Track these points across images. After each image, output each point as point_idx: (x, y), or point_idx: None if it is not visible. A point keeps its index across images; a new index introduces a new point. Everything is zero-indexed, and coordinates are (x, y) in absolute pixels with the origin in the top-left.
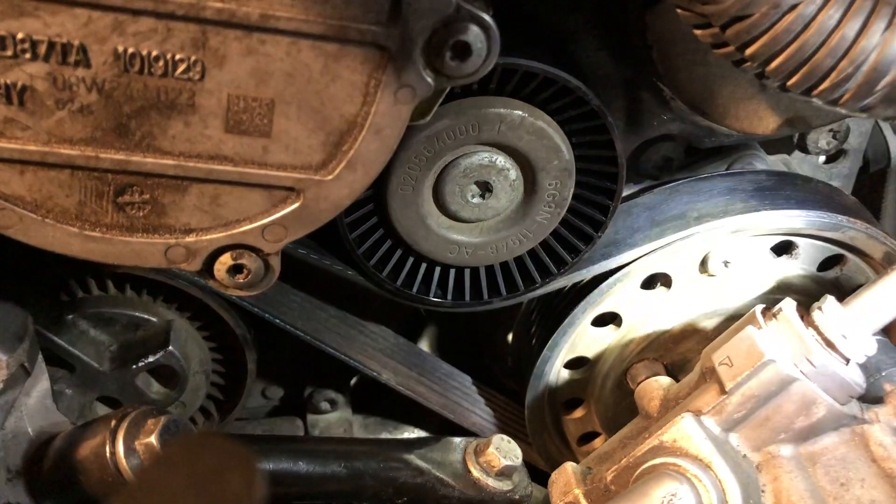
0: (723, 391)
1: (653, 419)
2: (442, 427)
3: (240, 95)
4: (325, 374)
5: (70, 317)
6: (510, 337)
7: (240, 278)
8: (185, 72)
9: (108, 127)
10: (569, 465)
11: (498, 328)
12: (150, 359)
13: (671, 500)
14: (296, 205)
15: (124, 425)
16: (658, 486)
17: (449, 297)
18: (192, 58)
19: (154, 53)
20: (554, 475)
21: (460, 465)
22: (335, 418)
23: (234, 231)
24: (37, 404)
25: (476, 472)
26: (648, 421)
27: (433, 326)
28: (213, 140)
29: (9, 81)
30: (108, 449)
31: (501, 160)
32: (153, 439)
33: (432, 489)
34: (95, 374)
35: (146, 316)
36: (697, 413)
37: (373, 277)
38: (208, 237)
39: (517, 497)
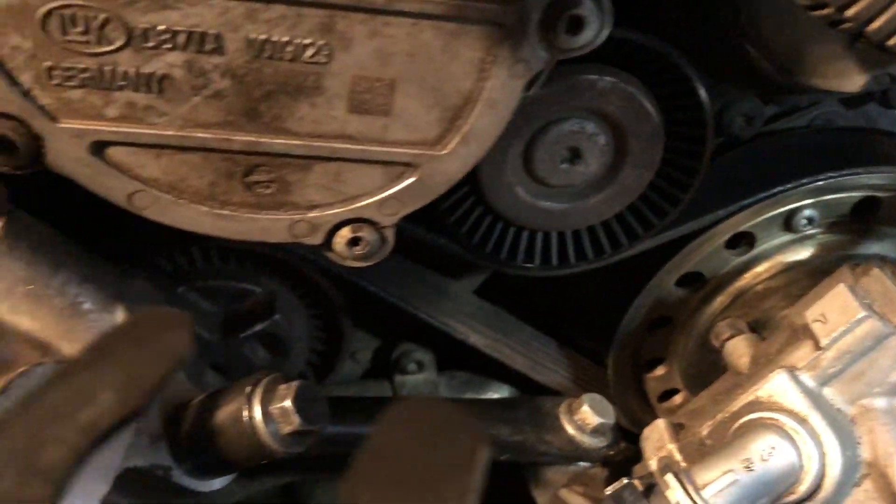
0: (817, 347)
1: (743, 375)
2: (524, 388)
3: (363, 77)
4: (413, 337)
5: (180, 289)
6: (589, 298)
7: (357, 250)
8: (312, 56)
9: (239, 111)
10: (661, 422)
11: (578, 290)
12: (258, 327)
13: (770, 452)
14: (412, 179)
15: (259, 391)
16: (756, 439)
17: (536, 261)
18: (320, 42)
19: (284, 39)
20: (646, 431)
21: (556, 423)
22: (422, 380)
23: (354, 206)
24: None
25: (571, 430)
26: (739, 377)
27: (510, 289)
28: (337, 120)
29: (149, 71)
30: (244, 414)
31: (591, 126)
32: (288, 403)
33: (532, 447)
34: (206, 343)
35: (251, 287)
36: (791, 369)
37: (463, 244)
38: (330, 212)
39: (611, 453)
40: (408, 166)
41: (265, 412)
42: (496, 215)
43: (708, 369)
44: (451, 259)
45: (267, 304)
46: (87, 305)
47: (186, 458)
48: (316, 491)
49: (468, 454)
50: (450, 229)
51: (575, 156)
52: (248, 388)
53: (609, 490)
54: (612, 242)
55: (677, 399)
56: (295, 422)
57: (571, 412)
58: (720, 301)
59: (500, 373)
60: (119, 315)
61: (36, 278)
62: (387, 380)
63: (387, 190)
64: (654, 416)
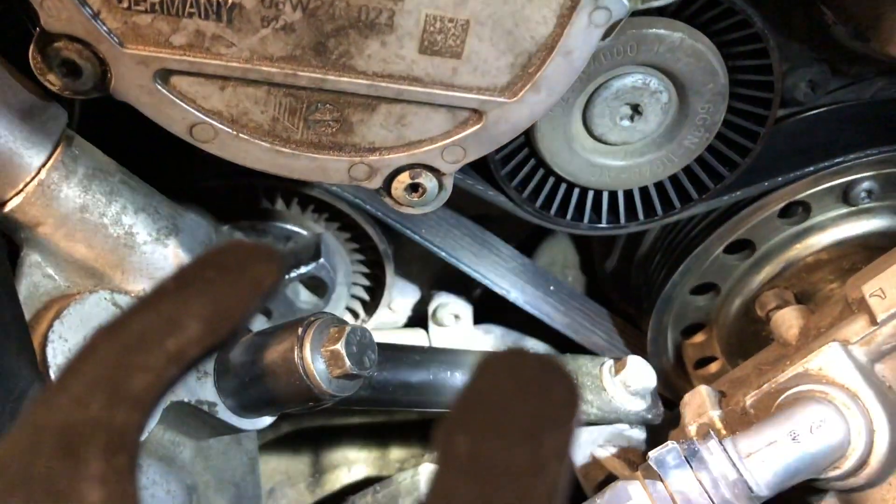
0: (873, 322)
1: (792, 347)
2: (559, 346)
3: (437, 16)
4: (452, 289)
5: (225, 228)
6: (627, 261)
7: (415, 197)
8: None
9: (307, 45)
10: (703, 389)
11: (618, 252)
12: (303, 269)
13: (819, 425)
14: (477, 126)
15: (310, 333)
16: (805, 411)
17: (585, 220)
18: None
19: None
20: (687, 397)
21: (597, 384)
22: (458, 332)
23: (416, 151)
24: None
25: (612, 391)
26: (787, 348)
27: (550, 247)
28: (406, 60)
29: None
30: (296, 354)
31: (655, 82)
32: (340, 347)
33: None
34: None
35: (297, 228)
36: (844, 343)
37: (513, 198)
38: (391, 156)
39: (650, 416)
40: (474, 112)
41: (315, 353)
42: (549, 170)
43: (749, 338)
44: (498, 212)
45: (313, 247)
46: (141, 236)
47: (232, 395)
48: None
49: (566, 406)
50: (501, 181)
51: (635, 112)
52: (300, 329)
53: (653, 453)
54: (665, 204)
55: (713, 367)
56: (345, 365)
57: (613, 374)
58: (768, 270)
59: (536, 330)
60: (172, 248)
61: (91, 206)
62: (423, 330)
63: (451, 136)
64: (688, 382)
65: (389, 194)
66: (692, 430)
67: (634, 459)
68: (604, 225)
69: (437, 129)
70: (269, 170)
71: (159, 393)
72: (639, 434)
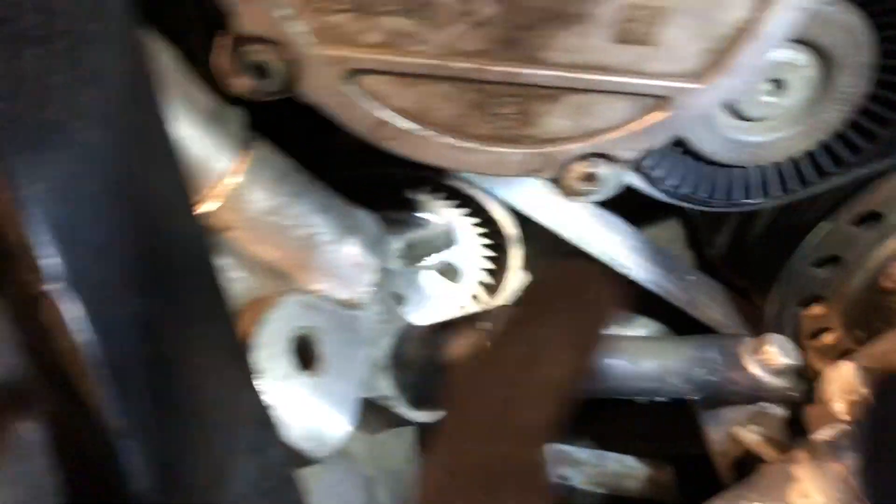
0: None
1: None
2: (675, 323)
3: (634, 4)
4: None
5: None
6: (741, 235)
7: (589, 186)
8: None
9: (500, 39)
10: (848, 365)
11: (731, 227)
12: (438, 256)
13: None
14: (662, 113)
15: (498, 325)
16: None
17: (718, 196)
18: None
19: None
20: (830, 373)
21: (739, 363)
22: None
23: (595, 140)
24: (390, 303)
25: (755, 370)
26: None
27: (652, 223)
28: (598, 50)
29: None
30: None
31: (802, 57)
32: None
33: (722, 386)
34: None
35: (429, 216)
36: None
37: (647, 175)
38: (569, 146)
39: (794, 394)
40: (660, 99)
41: None
42: (685, 147)
43: (872, 311)
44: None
45: (447, 234)
46: (324, 236)
47: (409, 389)
48: None
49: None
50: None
51: (778, 87)
52: (487, 321)
53: (823, 435)
54: (800, 178)
55: (827, 338)
56: None
57: (755, 352)
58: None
59: (651, 308)
60: (352, 246)
61: (279, 209)
62: None
63: (633, 124)
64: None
65: (561, 184)
66: (838, 407)
67: (775, 437)
68: (737, 201)
69: (620, 117)
70: (448, 165)
71: (551, 426)
72: (780, 412)
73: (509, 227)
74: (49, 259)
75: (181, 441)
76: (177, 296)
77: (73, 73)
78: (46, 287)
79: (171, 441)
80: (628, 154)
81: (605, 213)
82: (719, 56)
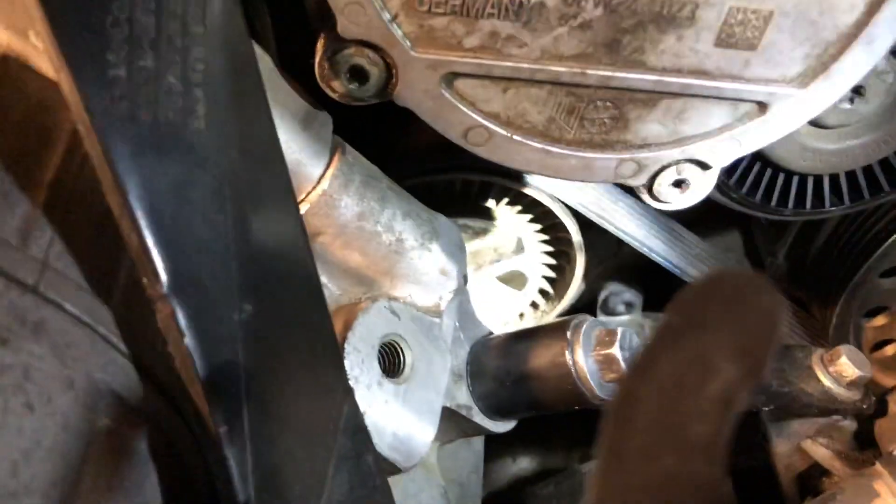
0: None
1: None
2: None
3: (740, 8)
4: (628, 277)
5: None
6: (803, 245)
7: (678, 193)
8: None
9: (601, 42)
10: None
11: (791, 236)
12: (507, 263)
13: None
14: (759, 118)
15: (579, 336)
16: None
17: (790, 205)
18: None
19: None
20: None
21: (810, 374)
22: (628, 320)
23: (688, 146)
24: (465, 311)
25: (826, 382)
26: None
27: (710, 232)
28: (699, 54)
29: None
30: (567, 358)
31: (885, 63)
32: (614, 351)
33: (796, 398)
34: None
35: (495, 222)
36: None
37: (719, 185)
38: (661, 152)
39: (864, 406)
40: (758, 105)
41: (588, 357)
42: (757, 154)
43: None
44: None
45: (514, 242)
46: (409, 242)
47: (486, 398)
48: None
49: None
50: None
51: (857, 93)
52: (568, 332)
53: None
54: (874, 187)
55: (889, 350)
56: (620, 369)
57: (826, 364)
58: None
59: None
60: (435, 252)
61: (367, 214)
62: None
63: (728, 130)
64: None
65: (650, 190)
66: None
67: (843, 451)
68: (807, 210)
69: (716, 122)
70: (538, 171)
71: (723, 442)
72: (850, 425)
73: (575, 233)
74: (165, 262)
75: (281, 449)
76: (279, 301)
77: (184, 74)
78: (162, 291)
79: (271, 450)
80: (720, 160)
81: (670, 220)
82: (822, 61)
